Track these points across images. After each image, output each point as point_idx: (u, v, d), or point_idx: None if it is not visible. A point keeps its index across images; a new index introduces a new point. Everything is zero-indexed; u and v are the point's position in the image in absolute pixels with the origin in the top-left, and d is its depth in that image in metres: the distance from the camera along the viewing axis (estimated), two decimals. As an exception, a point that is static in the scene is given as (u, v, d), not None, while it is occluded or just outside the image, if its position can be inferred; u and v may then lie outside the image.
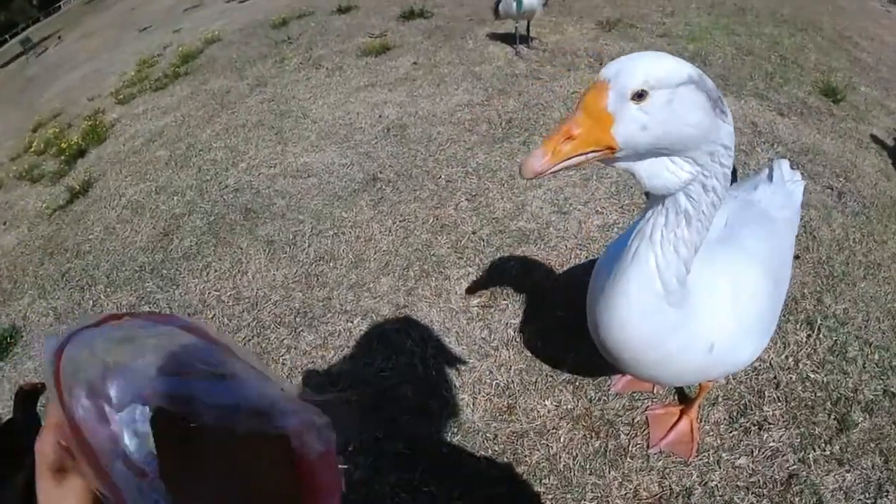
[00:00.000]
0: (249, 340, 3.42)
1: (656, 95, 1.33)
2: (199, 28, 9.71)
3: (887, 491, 2.54)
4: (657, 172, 1.45)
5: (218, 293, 3.78)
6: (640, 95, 1.32)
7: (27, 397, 2.81)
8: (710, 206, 1.51)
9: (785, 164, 2.68)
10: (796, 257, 3.63)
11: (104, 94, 8.34)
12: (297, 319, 3.50)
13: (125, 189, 5.20)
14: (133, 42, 10.69)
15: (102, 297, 3.95)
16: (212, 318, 3.61)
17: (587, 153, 1.35)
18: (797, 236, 3.72)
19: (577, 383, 2.99)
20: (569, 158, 1.33)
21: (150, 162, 5.54)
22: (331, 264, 3.84)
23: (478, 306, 3.42)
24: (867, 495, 2.53)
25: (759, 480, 2.59)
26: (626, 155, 1.40)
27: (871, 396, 2.89)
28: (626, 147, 1.36)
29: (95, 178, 5.65)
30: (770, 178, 2.59)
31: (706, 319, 1.73)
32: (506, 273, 3.56)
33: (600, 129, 1.34)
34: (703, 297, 1.68)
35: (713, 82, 1.42)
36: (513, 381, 3.02)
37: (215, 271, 3.91)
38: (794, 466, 2.63)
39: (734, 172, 3.43)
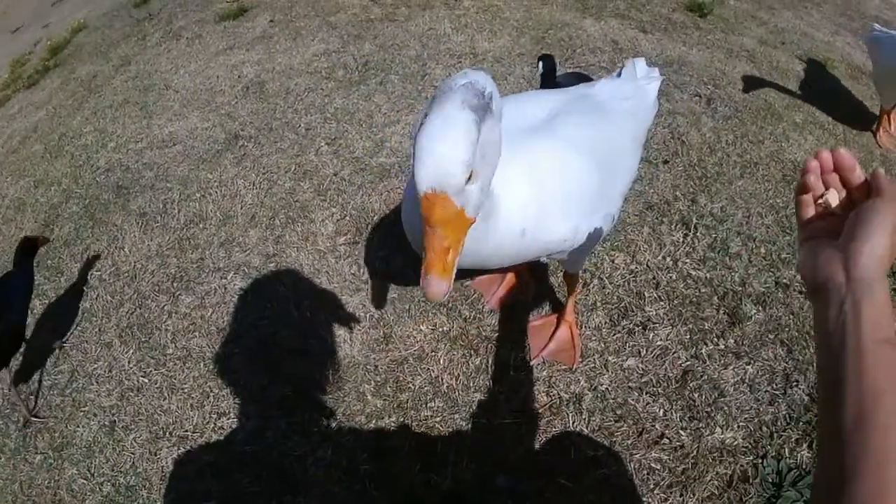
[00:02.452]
0: (133, 313, 3.27)
1: (476, 164, 1.26)
2: (66, 19, 9.21)
3: (796, 381, 2.51)
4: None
5: (99, 272, 3.58)
6: (469, 178, 1.26)
7: (26, 248, 3.07)
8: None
9: (640, 61, 2.55)
10: (665, 162, 3.59)
11: (-20, 102, 7.91)
12: (175, 284, 3.34)
13: (7, 189, 4.90)
14: (6, 45, 10.10)
15: (-4, 297, 3.69)
16: (96, 298, 3.42)
17: (462, 243, 1.33)
18: (663, 141, 3.69)
19: (450, 305, 2.91)
20: (456, 260, 1.31)
21: (27, 158, 5.23)
22: (200, 226, 3.66)
23: (345, 244, 3.31)
24: (774, 385, 2.50)
25: (651, 380, 2.55)
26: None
27: (762, 289, 2.87)
28: (478, 212, 1.37)
29: (-22, 185, 5.34)
30: (619, 75, 2.48)
31: (511, 210, 1.64)
32: (369, 209, 3.45)
33: (461, 223, 1.31)
34: (505, 190, 1.59)
35: (465, 91, 1.29)
36: (386, 311, 2.94)
37: (94, 252, 3.70)
38: (688, 363, 2.59)
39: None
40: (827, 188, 1.02)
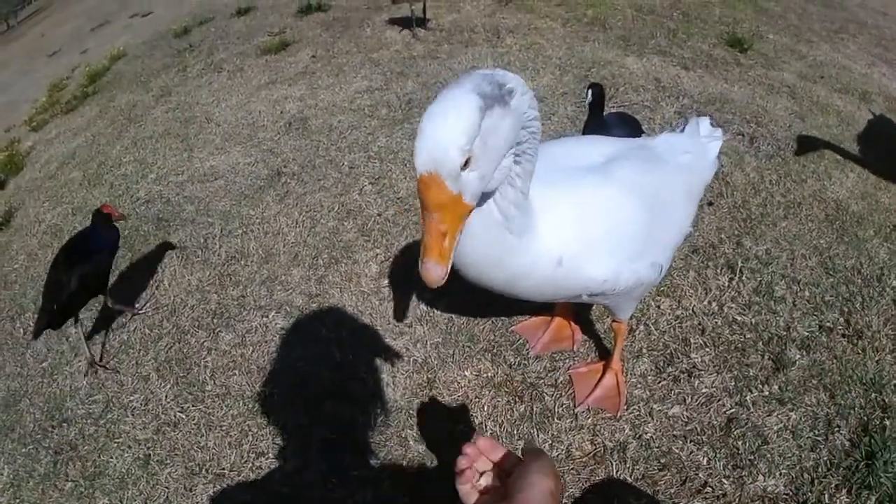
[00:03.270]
0: (171, 347, 3.30)
1: (475, 149, 1.27)
2: (104, 46, 9.39)
3: (838, 426, 2.49)
4: (493, 179, 1.44)
5: (137, 304, 3.62)
6: (465, 163, 1.26)
7: (101, 217, 3.29)
8: (534, 149, 1.50)
9: (704, 121, 2.60)
10: (710, 204, 3.60)
11: (18, 123, 8.02)
12: (215, 321, 3.38)
13: (44, 214, 4.99)
14: (43, 68, 10.32)
15: (31, 323, 3.75)
16: (134, 330, 3.48)
17: (461, 228, 1.34)
18: (709, 185, 3.70)
19: (495, 351, 2.92)
20: (453, 246, 1.32)
21: (65, 185, 5.33)
22: (242, 262, 3.72)
23: (388, 286, 3.33)
24: (816, 432, 2.48)
25: (696, 428, 2.54)
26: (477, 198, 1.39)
27: (806, 333, 2.86)
28: (476, 200, 1.36)
29: (16, 208, 5.42)
30: (682, 130, 2.53)
31: (551, 235, 1.68)
32: (413, 251, 3.45)
33: (458, 208, 1.30)
34: (545, 215, 1.63)
35: (482, 78, 1.32)
36: (430, 356, 2.95)
37: (132, 284, 3.75)
38: (732, 410, 2.58)
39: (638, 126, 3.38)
40: (480, 473, 1.16)
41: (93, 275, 3.21)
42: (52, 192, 5.31)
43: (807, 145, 4.27)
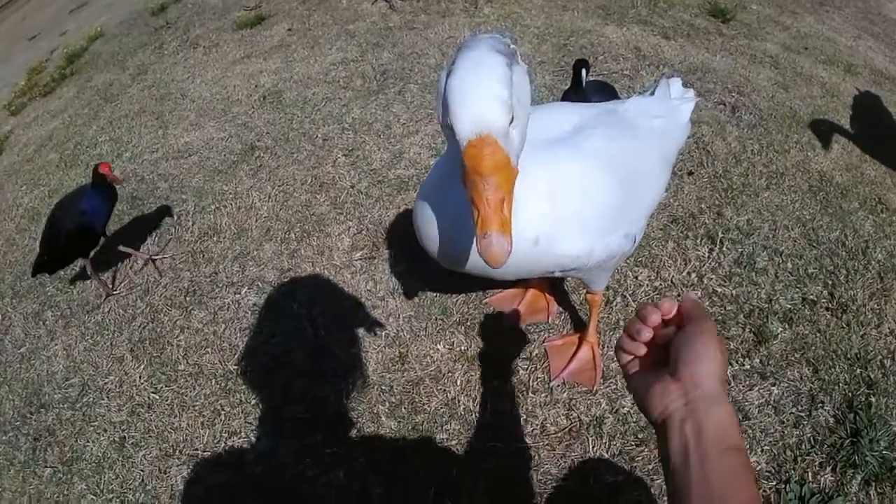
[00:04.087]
0: (145, 327, 3.26)
1: (514, 105, 1.22)
2: (83, 27, 9.27)
3: (822, 402, 2.45)
4: None
5: (111, 286, 3.57)
6: (511, 120, 1.21)
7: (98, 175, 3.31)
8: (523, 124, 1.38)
9: (676, 81, 2.52)
10: (690, 173, 3.55)
11: (-2, 108, 7.96)
12: (188, 299, 3.33)
13: (21, 198, 4.92)
14: (23, 52, 10.18)
15: (9, 308, 3.73)
16: (108, 311, 3.43)
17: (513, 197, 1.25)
18: (688, 152, 3.64)
19: (468, 324, 2.87)
20: (511, 214, 1.22)
21: (42, 167, 5.26)
22: (214, 239, 3.66)
23: (361, 259, 3.29)
24: (799, 407, 2.44)
25: None
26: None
27: (789, 306, 2.82)
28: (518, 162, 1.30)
29: (-5, 193, 5.36)
30: (652, 93, 2.44)
31: (526, 216, 1.59)
32: (386, 223, 3.42)
33: (511, 170, 1.23)
34: (521, 193, 1.55)
35: (492, 39, 1.30)
36: (402, 330, 2.90)
37: (105, 264, 3.69)
38: None
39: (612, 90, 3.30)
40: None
41: (78, 234, 3.27)
42: (30, 176, 5.25)
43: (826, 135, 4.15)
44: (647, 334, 1.03)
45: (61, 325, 3.46)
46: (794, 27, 5.86)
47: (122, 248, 3.58)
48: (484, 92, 1.17)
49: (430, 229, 1.67)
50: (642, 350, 1.04)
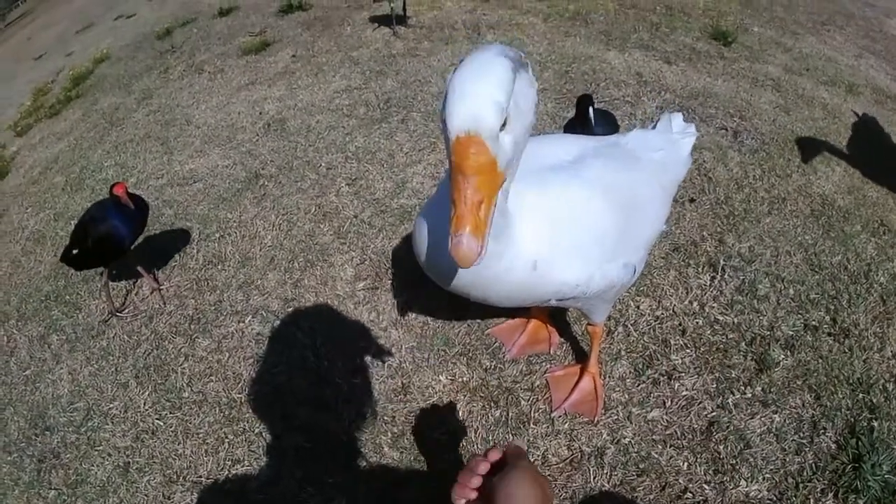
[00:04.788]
0: (149, 354, 3.27)
1: (510, 110, 1.23)
2: (88, 49, 9.32)
3: (824, 428, 2.45)
4: None
5: (115, 306, 3.60)
6: (504, 123, 1.21)
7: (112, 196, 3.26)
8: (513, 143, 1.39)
9: (677, 116, 2.54)
10: (691, 200, 3.57)
11: (3, 128, 7.95)
12: (192, 326, 3.35)
13: (27, 220, 4.95)
14: (29, 72, 10.23)
15: (15, 331, 3.74)
16: (113, 336, 3.44)
17: (496, 202, 1.27)
18: (690, 179, 3.67)
19: (470, 355, 2.88)
20: (490, 216, 1.23)
21: (48, 190, 5.29)
22: (219, 267, 3.69)
23: (364, 289, 3.31)
24: (801, 434, 2.45)
25: (676, 432, 2.49)
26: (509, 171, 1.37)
27: (791, 332, 2.82)
28: (508, 170, 1.31)
29: (0, 214, 5.37)
30: (654, 127, 2.48)
31: (525, 240, 1.62)
32: (389, 253, 3.45)
33: (495, 175, 1.23)
34: (521, 219, 1.58)
35: (503, 47, 1.30)
36: (405, 361, 2.92)
37: (112, 290, 3.70)
38: (714, 413, 2.54)
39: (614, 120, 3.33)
40: None
41: (105, 242, 3.28)
42: (36, 198, 5.27)
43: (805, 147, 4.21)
44: (476, 482, 1.17)
45: (66, 349, 3.47)
46: (796, 48, 5.93)
47: (140, 268, 3.60)
48: (480, 90, 1.19)
49: (423, 243, 1.69)
50: (473, 495, 1.16)
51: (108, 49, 8.74)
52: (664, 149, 2.24)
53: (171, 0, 10.20)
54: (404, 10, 6.55)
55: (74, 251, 3.34)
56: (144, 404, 3.02)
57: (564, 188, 1.81)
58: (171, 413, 2.94)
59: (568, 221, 1.76)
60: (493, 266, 1.59)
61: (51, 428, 3.06)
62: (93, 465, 2.83)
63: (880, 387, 2.60)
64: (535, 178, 1.75)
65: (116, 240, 3.29)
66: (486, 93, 1.19)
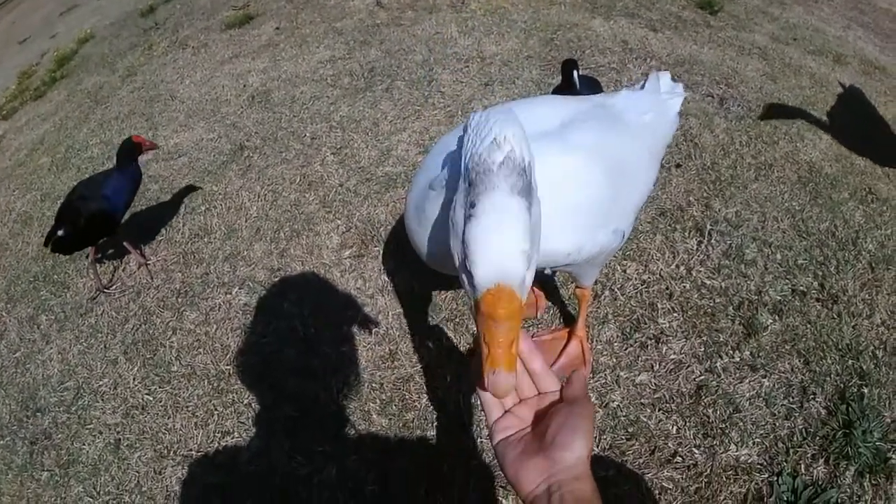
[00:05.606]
0: (137, 329, 3.24)
1: (531, 248, 1.18)
2: (73, 30, 9.25)
3: (813, 393, 2.42)
4: None
5: (103, 282, 3.57)
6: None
7: (128, 149, 3.35)
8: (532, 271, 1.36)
9: (665, 75, 2.45)
10: (677, 166, 3.53)
11: (-12, 113, 7.94)
12: (179, 300, 3.32)
13: (14, 202, 4.91)
14: (14, 56, 10.15)
15: (4, 313, 3.72)
16: (101, 313, 3.41)
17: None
18: (676, 144, 3.62)
19: (457, 320, 2.85)
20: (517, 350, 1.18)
21: (34, 171, 5.24)
22: (205, 239, 3.65)
23: (350, 257, 3.27)
24: (791, 399, 2.41)
25: (664, 395, 2.46)
26: None
27: (779, 297, 2.79)
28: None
29: (-14, 198, 5.34)
30: (642, 87, 2.42)
31: None
32: (375, 220, 3.40)
33: (521, 313, 1.16)
34: None
35: (511, 172, 1.22)
36: (392, 327, 2.88)
37: (100, 267, 3.67)
38: (702, 377, 2.50)
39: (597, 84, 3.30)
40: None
41: (98, 219, 3.27)
42: (22, 180, 5.24)
43: (778, 111, 4.18)
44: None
45: (55, 329, 3.44)
46: (783, 17, 5.86)
47: (126, 243, 3.57)
48: (505, 245, 1.13)
49: (415, 236, 1.68)
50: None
51: (93, 29, 8.68)
52: (653, 110, 2.18)
53: (154, -24, 10.14)
54: (389, -22, 6.48)
55: (60, 232, 3.28)
56: (134, 380, 2.99)
57: (553, 156, 1.77)
58: (160, 388, 2.91)
59: (558, 191, 1.71)
60: None
61: (42, 409, 3.03)
62: (84, 444, 2.80)
63: (870, 353, 2.56)
64: (526, 145, 1.71)
65: (110, 213, 3.26)
66: (511, 247, 1.14)
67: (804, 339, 2.62)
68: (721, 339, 2.64)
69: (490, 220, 1.17)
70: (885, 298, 2.84)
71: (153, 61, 6.50)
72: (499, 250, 1.14)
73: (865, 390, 2.41)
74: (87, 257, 3.50)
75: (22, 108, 7.17)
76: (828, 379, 2.47)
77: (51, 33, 10.20)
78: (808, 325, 2.68)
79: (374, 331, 2.89)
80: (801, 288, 2.85)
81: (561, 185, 1.72)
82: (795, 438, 2.30)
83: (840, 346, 2.59)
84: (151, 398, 2.89)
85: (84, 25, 9.10)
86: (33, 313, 3.62)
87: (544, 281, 2.91)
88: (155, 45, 6.92)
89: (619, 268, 2.99)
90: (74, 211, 3.25)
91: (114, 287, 3.56)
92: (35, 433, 2.93)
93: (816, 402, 2.40)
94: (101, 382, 3.04)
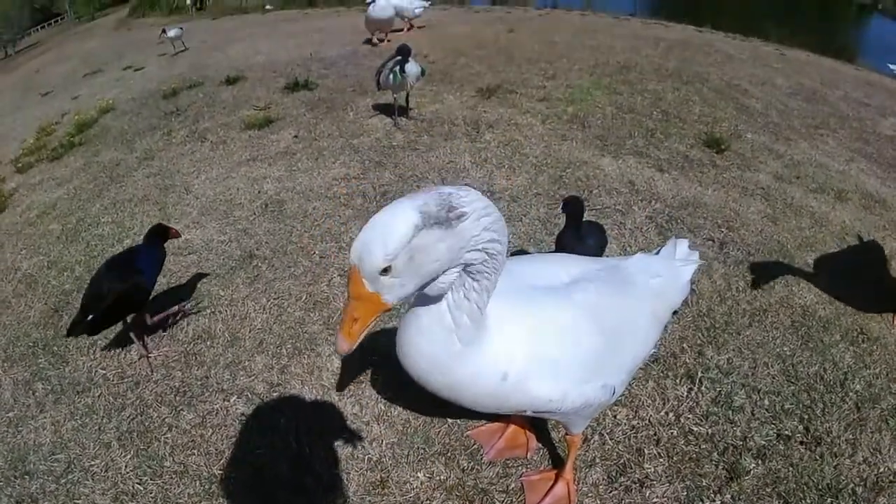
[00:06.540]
0: (133, 419, 3.32)
1: (397, 262, 1.44)
2: (95, 95, 9.46)
3: None
4: (432, 288, 1.62)
5: (104, 371, 3.66)
6: (385, 270, 1.44)
7: (158, 233, 3.61)
8: (493, 269, 1.64)
9: (683, 243, 2.70)
10: (674, 313, 3.66)
11: (4, 161, 8.03)
12: (178, 398, 3.41)
13: (21, 262, 5.02)
14: (35, 106, 10.33)
15: (0, 372, 3.80)
16: (98, 395, 3.50)
17: (374, 319, 1.54)
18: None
19: (449, 454, 2.96)
20: (362, 331, 1.53)
21: (43, 235, 5.37)
22: (208, 343, 3.76)
23: (349, 383, 3.39)
24: (770, 541, 2.50)
25: None
26: (406, 301, 1.60)
27: (763, 442, 2.92)
28: (399, 302, 1.54)
29: (-6, 248, 5.45)
30: (657, 253, 2.62)
31: (499, 350, 1.82)
32: (377, 348, 3.49)
33: (373, 304, 1.51)
34: (498, 330, 1.79)
35: (435, 198, 1.50)
36: (385, 455, 2.98)
37: (101, 349, 3.79)
38: None
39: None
40: None
41: (131, 294, 3.43)
42: (30, 241, 5.34)
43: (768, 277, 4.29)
44: None
45: (51, 399, 3.51)
46: (788, 154, 6.13)
47: (131, 333, 3.67)
48: (370, 239, 1.45)
49: (402, 344, 1.89)
50: None
51: (114, 100, 8.87)
52: (662, 275, 2.39)
53: (179, 59, 10.39)
54: (407, 101, 6.79)
55: (90, 317, 3.39)
56: (126, 467, 3.06)
57: (549, 307, 1.99)
58: (151, 480, 2.99)
59: (547, 339, 1.93)
60: (459, 369, 1.79)
61: (30, 473, 3.09)
62: (71, 518, 2.86)
63: (849, 491, 2.70)
64: (524, 295, 1.94)
65: (143, 286, 3.48)
66: (372, 243, 1.43)
67: (785, 482, 2.75)
68: (703, 484, 2.76)
69: (379, 216, 1.49)
70: (868, 436, 2.98)
71: (171, 149, 6.69)
72: (364, 241, 1.46)
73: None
74: (87, 336, 3.63)
75: (37, 165, 7.31)
76: (807, 521, 2.62)
77: (73, 93, 10.38)
78: (791, 468, 2.81)
79: (366, 456, 2.99)
80: (787, 432, 2.99)
81: (552, 335, 1.95)
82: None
83: (820, 487, 2.72)
84: (142, 488, 2.96)
85: (106, 94, 9.31)
86: (30, 378, 3.70)
87: (535, 423, 3.04)
88: (174, 131, 7.10)
89: (609, 413, 3.12)
90: (102, 291, 3.38)
91: (154, 353, 3.71)
92: (21, 494, 2.99)
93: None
94: (92, 462, 3.11)
